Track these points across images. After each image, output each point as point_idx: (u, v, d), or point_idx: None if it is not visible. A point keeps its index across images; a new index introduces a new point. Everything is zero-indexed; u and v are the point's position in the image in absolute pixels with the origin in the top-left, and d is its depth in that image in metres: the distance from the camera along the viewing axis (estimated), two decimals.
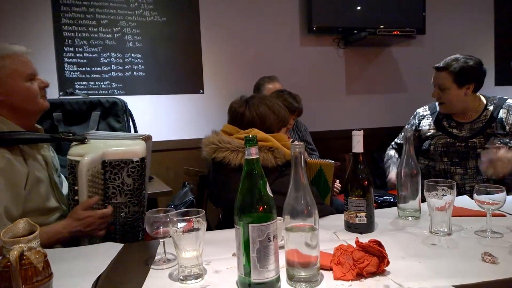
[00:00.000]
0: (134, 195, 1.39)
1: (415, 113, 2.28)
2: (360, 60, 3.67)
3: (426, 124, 2.16)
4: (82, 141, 1.38)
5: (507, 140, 1.95)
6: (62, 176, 1.62)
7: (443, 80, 2.01)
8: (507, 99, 2.05)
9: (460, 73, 1.97)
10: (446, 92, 2.01)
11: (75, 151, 1.33)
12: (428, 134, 2.13)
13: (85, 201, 1.31)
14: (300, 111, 2.46)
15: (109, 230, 1.40)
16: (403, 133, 2.32)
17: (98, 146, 1.36)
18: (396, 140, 2.37)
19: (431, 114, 2.18)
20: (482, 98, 2.08)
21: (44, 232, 1.25)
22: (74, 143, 1.38)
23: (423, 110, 2.24)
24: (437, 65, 2.05)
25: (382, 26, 3.34)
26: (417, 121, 2.22)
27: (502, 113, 1.99)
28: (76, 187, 1.30)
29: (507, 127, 1.97)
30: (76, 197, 1.32)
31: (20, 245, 0.86)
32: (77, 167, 1.28)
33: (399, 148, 2.31)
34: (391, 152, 2.30)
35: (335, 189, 2.03)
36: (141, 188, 1.40)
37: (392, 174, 2.07)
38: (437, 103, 2.16)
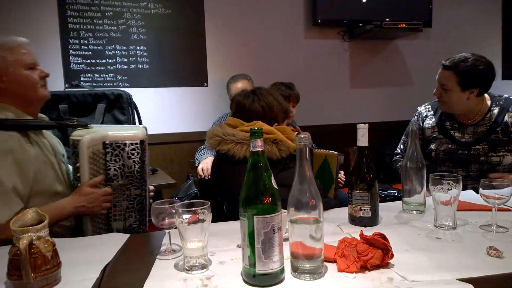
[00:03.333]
0: (135, 178, 1.45)
1: (417, 113, 2.16)
2: (365, 53, 3.65)
3: (429, 125, 2.06)
4: (85, 126, 1.47)
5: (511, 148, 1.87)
6: (69, 166, 1.64)
7: (447, 80, 1.88)
8: None
9: (467, 76, 1.83)
10: (448, 92, 1.89)
11: (77, 133, 1.40)
12: (430, 136, 2.05)
13: (92, 179, 1.38)
14: (296, 97, 2.50)
15: (113, 213, 1.45)
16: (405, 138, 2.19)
17: (100, 130, 1.45)
18: (401, 146, 2.22)
19: (433, 114, 2.07)
20: (487, 97, 1.96)
21: (50, 207, 1.31)
22: (78, 128, 1.46)
23: (425, 110, 2.12)
24: (444, 62, 1.90)
25: (388, 19, 3.31)
26: (421, 122, 2.11)
27: (507, 117, 1.87)
28: (78, 164, 1.37)
29: None
30: (78, 174, 1.38)
31: (29, 234, 0.88)
32: (78, 145, 1.35)
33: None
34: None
35: (339, 180, 2.03)
36: (142, 172, 1.46)
37: None
38: None
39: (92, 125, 1.49)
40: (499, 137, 1.88)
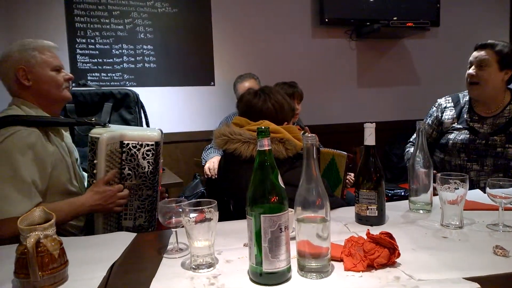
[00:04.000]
0: (148, 178, 1.47)
1: (436, 104, 2.18)
2: (373, 52, 3.63)
3: (449, 117, 2.08)
4: (103, 125, 1.51)
5: None
6: (83, 172, 1.67)
7: (486, 56, 1.91)
8: None
9: (505, 55, 1.89)
10: (485, 70, 1.92)
11: (96, 131, 1.44)
12: (449, 127, 2.06)
13: (106, 176, 1.40)
14: (299, 94, 2.52)
15: (123, 212, 1.47)
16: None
17: (118, 129, 1.48)
18: (415, 135, 2.25)
19: (454, 106, 2.10)
20: (508, 91, 2.00)
21: (69, 204, 1.36)
22: (97, 127, 1.50)
23: (445, 101, 2.15)
24: (481, 43, 1.96)
25: (395, 18, 3.30)
26: (440, 114, 2.13)
27: None
28: (95, 161, 1.40)
29: None
30: (95, 171, 1.41)
31: (36, 232, 0.89)
32: (97, 142, 1.38)
33: None
34: (412, 150, 2.21)
35: (347, 181, 2.03)
36: (155, 173, 1.48)
37: None
38: (460, 95, 2.09)
39: (109, 124, 1.53)
40: None
